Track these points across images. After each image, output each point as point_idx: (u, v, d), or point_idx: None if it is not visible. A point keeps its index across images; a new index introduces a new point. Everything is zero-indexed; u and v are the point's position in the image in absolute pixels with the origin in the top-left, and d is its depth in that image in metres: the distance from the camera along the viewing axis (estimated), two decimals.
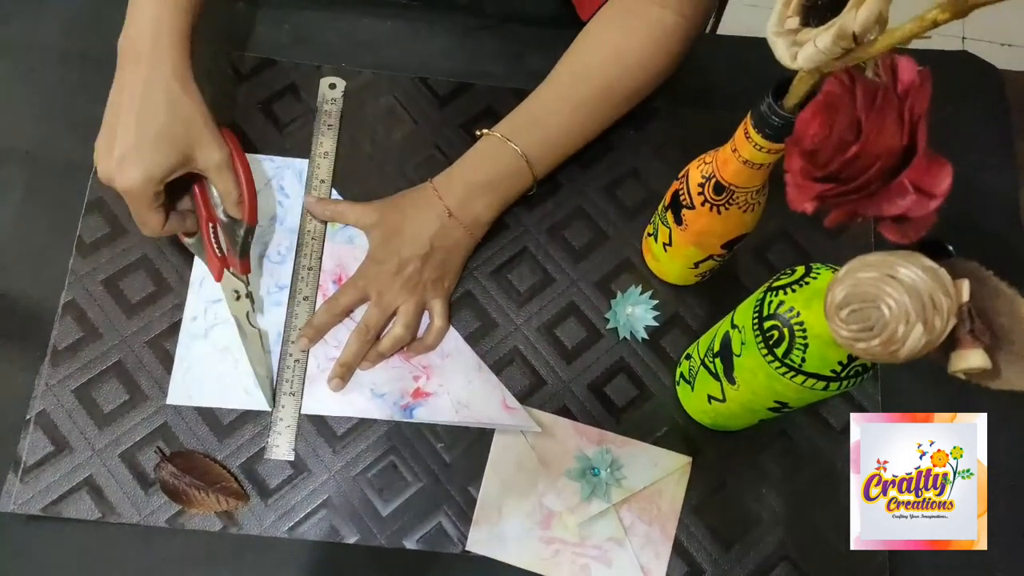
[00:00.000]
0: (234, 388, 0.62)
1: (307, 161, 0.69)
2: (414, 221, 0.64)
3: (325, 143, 0.70)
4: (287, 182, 0.69)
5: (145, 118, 0.56)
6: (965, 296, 0.32)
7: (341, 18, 0.75)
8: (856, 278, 0.33)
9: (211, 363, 0.63)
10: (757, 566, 0.60)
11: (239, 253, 0.62)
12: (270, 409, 0.62)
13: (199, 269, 0.65)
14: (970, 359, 0.32)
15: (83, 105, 0.70)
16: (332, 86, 0.72)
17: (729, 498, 0.62)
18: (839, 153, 0.31)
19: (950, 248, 0.36)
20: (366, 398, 0.63)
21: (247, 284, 0.63)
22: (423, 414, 0.62)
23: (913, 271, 0.31)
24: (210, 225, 0.62)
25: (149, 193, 0.57)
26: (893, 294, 0.32)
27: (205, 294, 0.64)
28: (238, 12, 0.75)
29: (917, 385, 0.64)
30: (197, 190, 0.62)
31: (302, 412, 0.62)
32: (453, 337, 0.65)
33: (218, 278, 0.63)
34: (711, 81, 0.75)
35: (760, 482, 0.62)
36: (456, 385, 0.63)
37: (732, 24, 0.97)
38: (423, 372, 0.64)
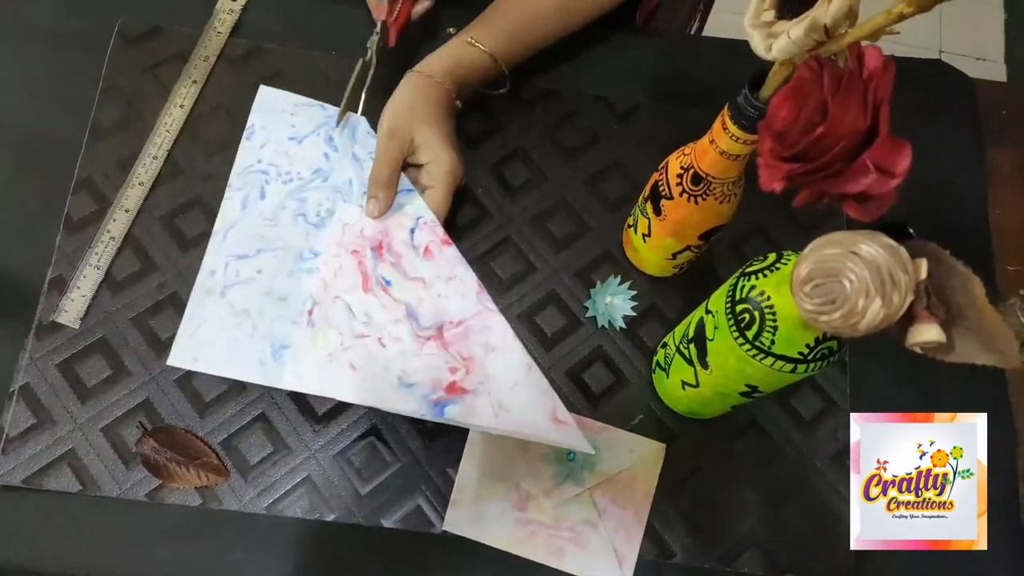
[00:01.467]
0: (247, 357, 0.58)
1: (362, 117, 0.67)
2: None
3: (209, 47, 0.72)
4: (336, 132, 0.66)
5: None
6: (923, 274, 0.34)
7: (345, 11, 0.76)
8: (821, 254, 0.35)
9: (225, 325, 0.59)
10: (726, 551, 0.62)
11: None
12: (278, 387, 0.58)
13: (223, 220, 0.63)
14: (925, 333, 0.33)
15: (74, 85, 0.71)
16: None
17: (701, 485, 0.63)
18: (806, 134, 0.33)
19: (911, 231, 0.37)
20: (391, 387, 0.58)
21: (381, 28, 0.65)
22: (456, 413, 0.57)
23: (874, 248, 0.33)
24: None
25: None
26: (855, 269, 0.33)
27: (228, 247, 0.61)
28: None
29: (886, 380, 0.66)
30: None
31: (322, 395, 0.58)
32: (502, 329, 0.61)
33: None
34: (694, 80, 0.77)
35: (732, 470, 0.64)
36: (499, 385, 0.58)
37: (717, 28, 0.99)
38: (463, 365, 0.59)
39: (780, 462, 0.64)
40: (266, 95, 0.68)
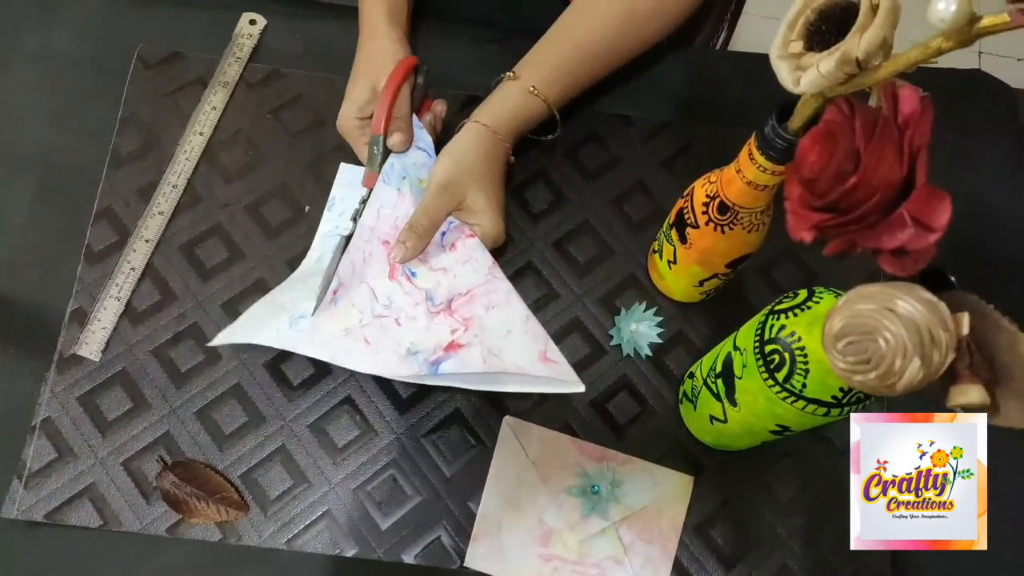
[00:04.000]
0: (268, 327, 0.59)
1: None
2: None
3: (229, 72, 0.72)
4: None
5: (358, 72, 0.67)
6: (965, 330, 0.32)
7: (352, 29, 0.75)
8: (854, 309, 0.33)
9: (255, 308, 0.62)
10: None
11: (369, 166, 0.64)
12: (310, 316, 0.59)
13: (299, 271, 0.66)
14: (968, 395, 0.31)
15: (94, 112, 0.71)
16: (252, 22, 0.74)
17: (731, 518, 0.61)
18: (838, 183, 0.31)
19: (952, 280, 0.35)
20: (399, 356, 0.58)
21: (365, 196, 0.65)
22: (449, 366, 0.57)
23: (911, 304, 0.31)
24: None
25: (349, 129, 0.66)
26: (891, 327, 0.31)
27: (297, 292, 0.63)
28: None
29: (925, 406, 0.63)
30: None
31: (331, 362, 0.58)
32: (505, 290, 0.61)
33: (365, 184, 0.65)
34: (720, 96, 0.75)
35: (763, 503, 0.62)
36: (493, 335, 0.59)
37: (745, 37, 0.97)
38: (463, 324, 0.60)
39: (813, 494, 0.62)
40: (345, 171, 0.71)
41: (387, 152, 0.64)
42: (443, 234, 0.64)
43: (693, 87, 0.75)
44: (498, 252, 0.67)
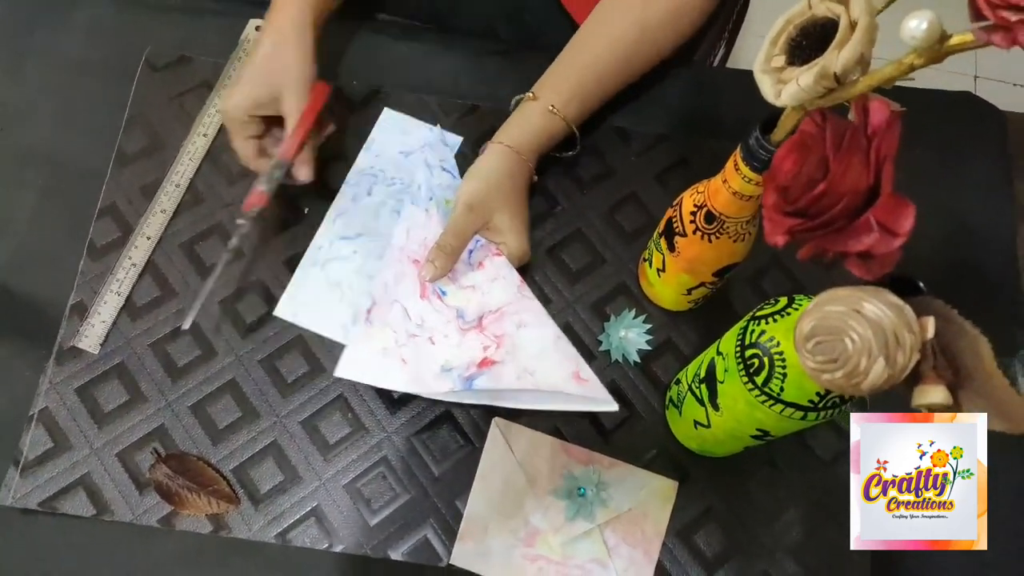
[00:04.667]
0: (333, 320, 0.66)
1: (460, 138, 0.73)
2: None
3: (234, 76, 0.74)
4: (434, 151, 0.72)
5: (253, 56, 0.64)
6: (930, 333, 0.33)
7: (354, 36, 0.77)
8: (824, 311, 0.34)
9: (320, 292, 0.67)
10: None
11: (263, 184, 0.64)
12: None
13: (335, 208, 0.70)
14: (932, 395, 0.32)
15: (102, 113, 0.73)
16: (258, 28, 0.75)
17: (714, 524, 0.62)
18: (808, 190, 0.32)
19: (921, 285, 0.36)
20: (434, 375, 0.61)
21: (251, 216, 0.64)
22: (483, 382, 0.59)
23: (878, 306, 0.32)
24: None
25: (236, 118, 0.64)
26: (857, 328, 0.32)
27: (335, 230, 0.69)
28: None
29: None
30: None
31: (375, 385, 0.62)
32: (536, 310, 0.63)
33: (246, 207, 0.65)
34: (715, 111, 0.76)
35: (746, 510, 0.63)
36: (525, 354, 0.61)
37: (744, 56, 0.99)
38: (495, 341, 0.62)
39: (797, 503, 0.63)
40: (387, 116, 0.74)
41: (286, 178, 0.65)
42: (470, 252, 0.66)
43: (689, 102, 0.77)
44: (521, 267, 0.68)
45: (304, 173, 0.65)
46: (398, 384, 0.61)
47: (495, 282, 0.65)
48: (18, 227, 0.68)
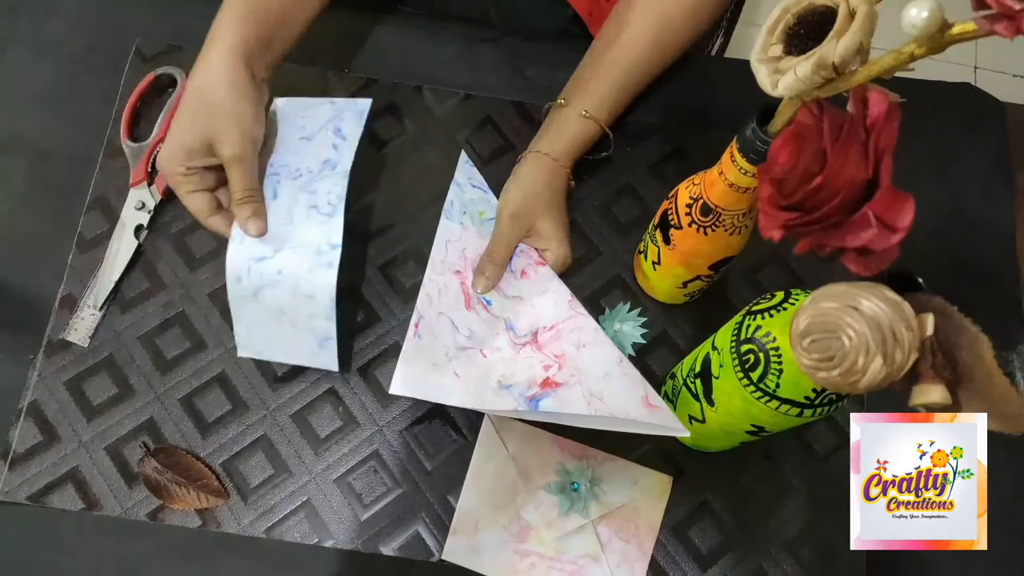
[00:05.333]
0: (301, 348, 0.60)
1: (370, 100, 0.65)
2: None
3: None
4: (346, 123, 0.64)
5: (185, 104, 0.58)
6: (929, 330, 0.32)
7: (343, 23, 0.76)
8: (820, 307, 0.33)
9: (269, 325, 0.60)
10: None
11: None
12: (336, 370, 0.61)
13: (237, 227, 0.60)
14: (930, 394, 0.32)
15: (90, 102, 0.72)
16: None
17: (708, 520, 0.62)
18: (804, 183, 0.31)
19: (920, 281, 0.36)
20: (492, 391, 0.59)
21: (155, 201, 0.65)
22: (550, 404, 0.58)
23: (875, 303, 0.32)
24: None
25: (172, 172, 0.58)
26: (854, 325, 0.32)
27: (246, 251, 0.59)
28: None
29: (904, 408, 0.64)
30: None
31: (434, 401, 0.57)
32: (592, 328, 0.62)
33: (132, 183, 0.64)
34: (710, 102, 0.75)
35: (741, 506, 0.62)
36: (591, 376, 0.59)
37: (742, 46, 0.98)
38: (556, 361, 0.61)
39: (792, 499, 0.62)
40: (281, 106, 0.67)
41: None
42: (512, 260, 0.66)
43: (685, 92, 0.76)
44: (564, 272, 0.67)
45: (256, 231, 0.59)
46: (457, 400, 0.58)
47: (544, 296, 0.65)
48: (3, 219, 0.67)
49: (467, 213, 0.66)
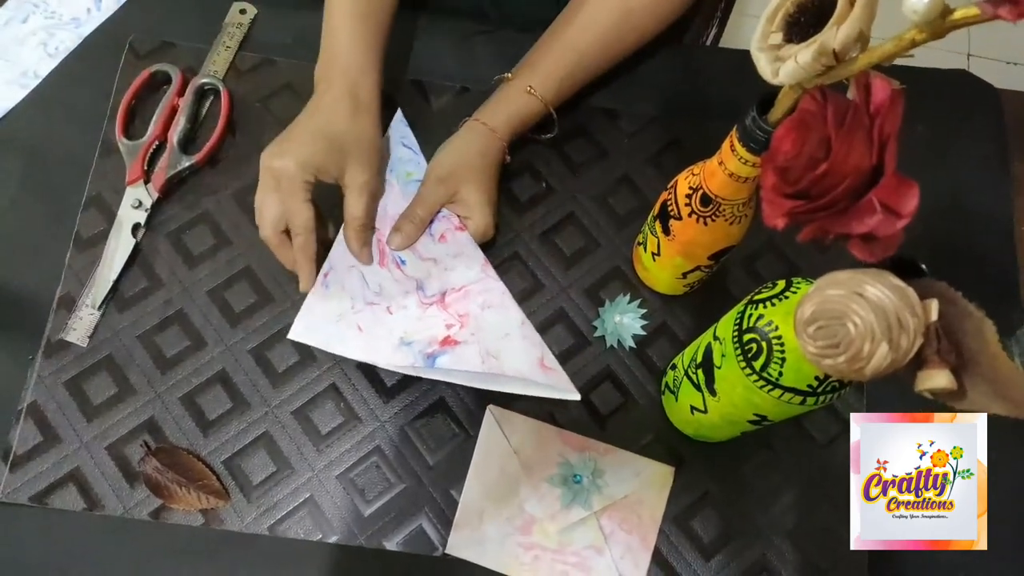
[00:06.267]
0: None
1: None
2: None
3: (218, 61, 0.72)
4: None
5: (313, 122, 0.61)
6: (933, 316, 0.32)
7: None
8: (824, 295, 0.33)
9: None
10: None
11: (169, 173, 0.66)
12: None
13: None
14: (935, 379, 0.32)
15: (85, 101, 0.71)
16: (242, 11, 0.75)
17: (711, 510, 0.62)
18: (809, 170, 0.31)
19: (923, 267, 0.36)
20: (392, 346, 0.60)
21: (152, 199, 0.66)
22: (446, 361, 0.59)
23: (880, 289, 0.32)
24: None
25: (300, 179, 0.58)
26: (859, 311, 0.32)
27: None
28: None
29: (905, 401, 0.64)
30: None
31: (328, 351, 0.60)
32: (500, 291, 0.63)
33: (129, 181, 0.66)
34: (708, 92, 0.75)
35: (743, 495, 0.62)
36: (490, 336, 0.60)
37: (736, 36, 0.98)
38: (459, 321, 0.61)
39: (794, 488, 0.63)
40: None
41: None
42: (432, 224, 0.65)
43: (681, 83, 0.76)
44: (485, 244, 0.67)
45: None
46: (352, 352, 0.60)
47: (458, 258, 0.64)
48: None
49: (394, 172, 0.67)
